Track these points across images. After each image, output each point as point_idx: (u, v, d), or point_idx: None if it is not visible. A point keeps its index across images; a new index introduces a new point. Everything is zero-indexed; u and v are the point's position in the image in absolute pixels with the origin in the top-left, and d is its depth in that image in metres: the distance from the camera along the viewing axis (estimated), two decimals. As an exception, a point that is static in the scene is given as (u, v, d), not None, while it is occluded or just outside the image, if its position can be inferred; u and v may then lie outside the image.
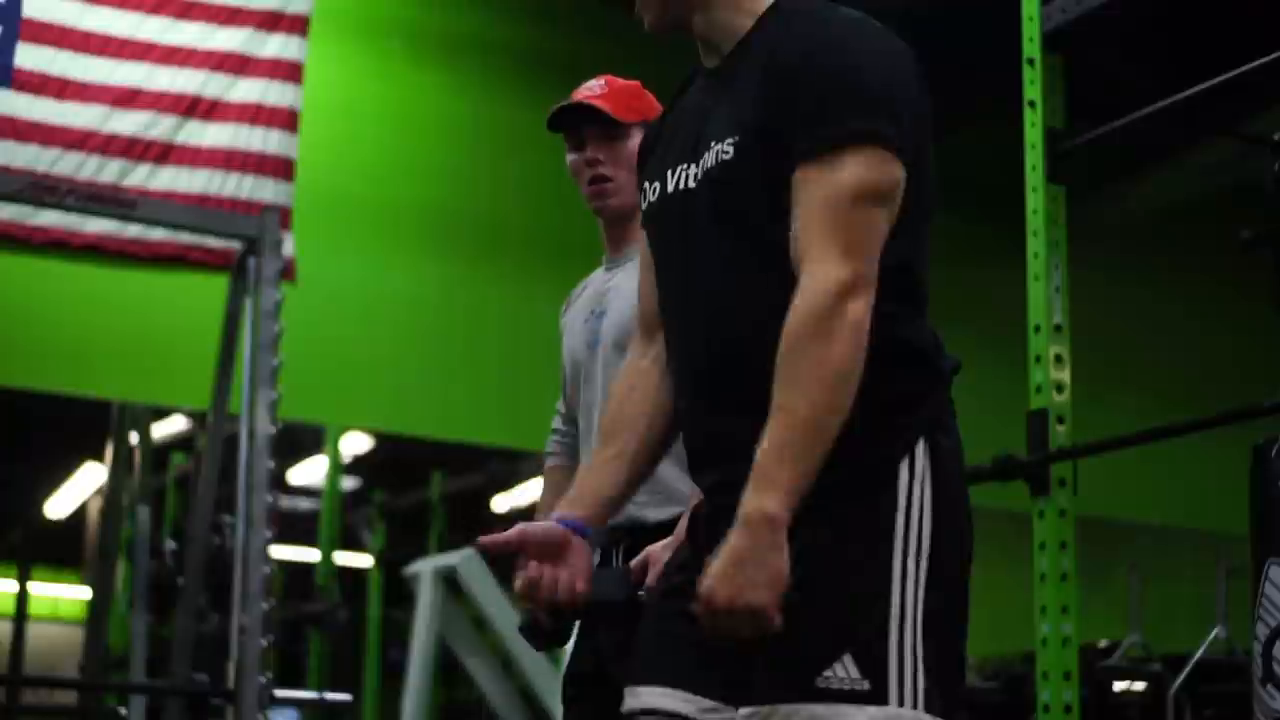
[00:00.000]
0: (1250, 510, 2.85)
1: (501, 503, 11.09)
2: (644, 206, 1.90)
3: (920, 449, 1.68)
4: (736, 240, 1.73)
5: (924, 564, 1.64)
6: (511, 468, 9.89)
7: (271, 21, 5.40)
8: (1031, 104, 3.68)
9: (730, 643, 1.60)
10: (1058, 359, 3.53)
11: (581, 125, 2.51)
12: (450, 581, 7.65)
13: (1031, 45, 3.72)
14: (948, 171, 6.77)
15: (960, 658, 1.70)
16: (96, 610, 6.34)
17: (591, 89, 2.53)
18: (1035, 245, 3.61)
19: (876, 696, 1.58)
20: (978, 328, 6.51)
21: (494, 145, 5.75)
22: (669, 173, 1.84)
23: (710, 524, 1.77)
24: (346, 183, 5.55)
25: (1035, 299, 3.59)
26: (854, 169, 1.65)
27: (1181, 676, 4.67)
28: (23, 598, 7.62)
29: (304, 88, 5.43)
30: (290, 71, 5.40)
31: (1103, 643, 6.12)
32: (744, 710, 1.63)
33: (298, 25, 5.44)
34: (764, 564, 1.57)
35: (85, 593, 8.08)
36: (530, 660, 7.47)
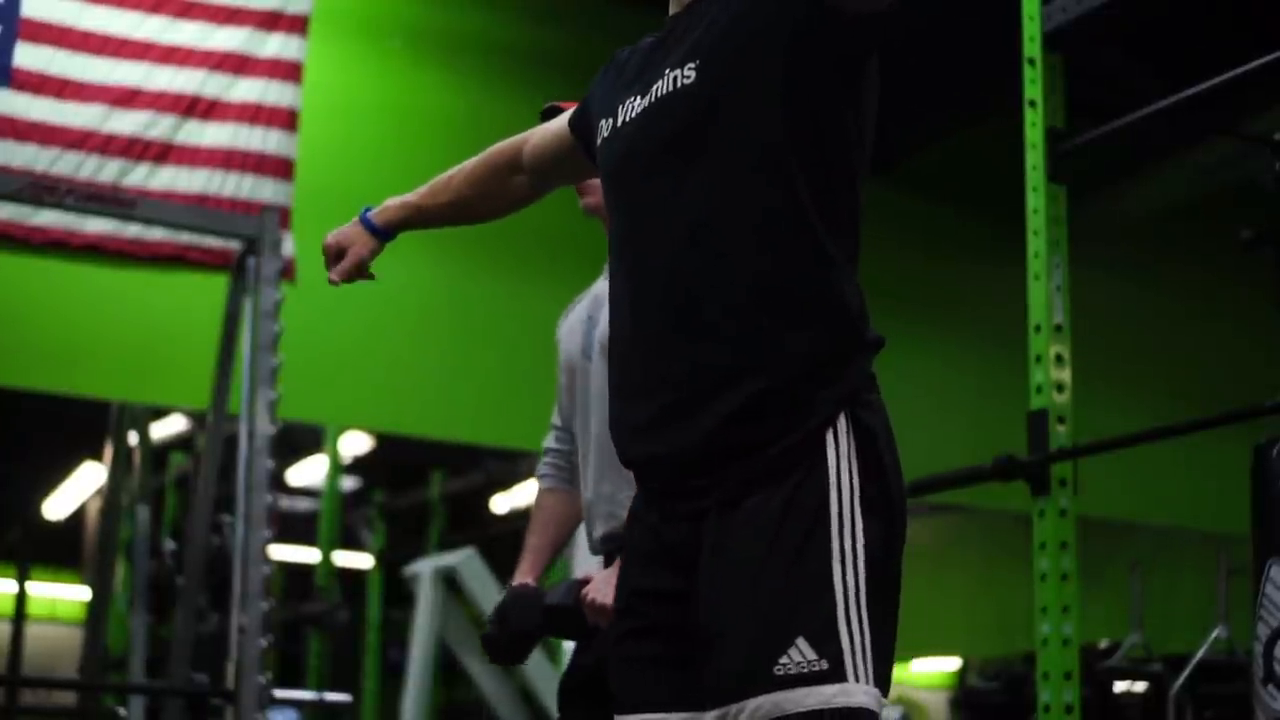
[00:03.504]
0: (1251, 510, 2.85)
1: (501, 503, 11.09)
2: (599, 143, 1.90)
3: (842, 424, 1.66)
4: (698, 165, 1.71)
5: (860, 541, 1.62)
6: (511, 468, 9.88)
7: (271, 21, 5.39)
8: (1031, 104, 3.68)
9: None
10: (1058, 359, 3.53)
11: None
12: (450, 581, 7.65)
13: (1031, 45, 3.72)
14: (948, 171, 6.79)
15: (895, 636, 1.69)
16: (95, 610, 6.33)
17: None
18: (1036, 245, 3.61)
19: (835, 675, 1.57)
20: (978, 327, 6.53)
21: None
22: (619, 106, 1.84)
23: (652, 518, 1.76)
24: (346, 182, 5.54)
25: (1035, 299, 3.58)
26: None
27: (1182, 677, 4.67)
28: (21, 598, 7.60)
29: (303, 87, 5.42)
30: (290, 71, 5.40)
31: (1104, 643, 6.13)
32: (711, 714, 1.62)
33: (297, 25, 5.43)
34: None
35: (84, 593, 8.07)
36: (530, 661, 7.46)
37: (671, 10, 1.87)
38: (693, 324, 1.69)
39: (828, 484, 1.64)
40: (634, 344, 1.77)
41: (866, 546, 1.63)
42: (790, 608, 1.60)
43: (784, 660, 1.58)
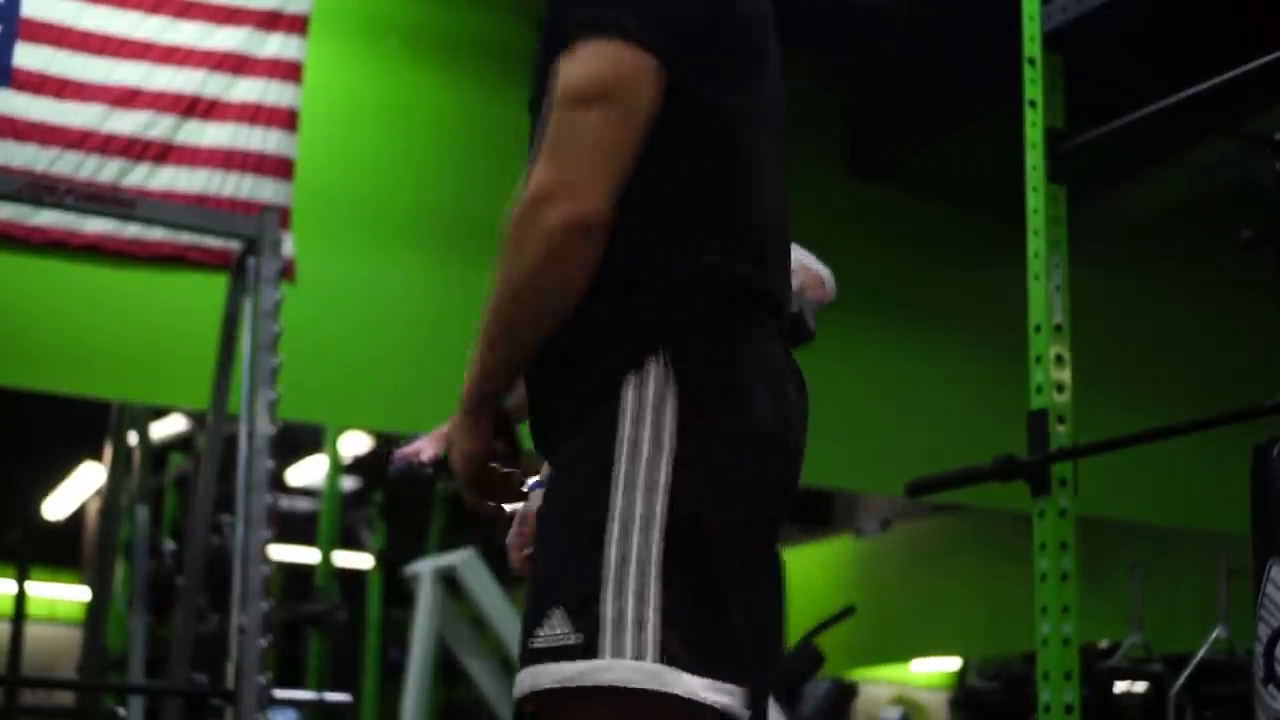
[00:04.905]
0: (1251, 510, 2.85)
1: (501, 503, 11.08)
2: None
3: (653, 379, 1.53)
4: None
5: (658, 504, 1.48)
6: (511, 468, 9.84)
7: (270, 21, 5.39)
8: (1031, 104, 3.68)
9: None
10: (1058, 359, 3.53)
11: None
12: (450, 581, 7.65)
13: (1031, 45, 3.72)
14: (947, 172, 6.78)
15: (737, 611, 1.51)
16: (95, 611, 6.33)
17: None
18: (1035, 245, 3.61)
19: (586, 650, 1.44)
20: (977, 328, 6.52)
21: (494, 144, 5.73)
22: None
23: None
24: (346, 182, 5.54)
25: (1035, 299, 3.58)
26: (571, 65, 1.55)
27: (1183, 677, 4.67)
28: (21, 598, 7.59)
29: (303, 87, 5.42)
30: (289, 71, 5.40)
31: (1104, 643, 6.13)
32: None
33: (297, 25, 5.43)
34: (459, 437, 1.64)
35: (84, 593, 8.06)
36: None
37: None
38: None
39: (614, 439, 1.51)
40: None
41: (670, 510, 1.48)
42: (555, 576, 1.49)
43: (540, 631, 1.47)
